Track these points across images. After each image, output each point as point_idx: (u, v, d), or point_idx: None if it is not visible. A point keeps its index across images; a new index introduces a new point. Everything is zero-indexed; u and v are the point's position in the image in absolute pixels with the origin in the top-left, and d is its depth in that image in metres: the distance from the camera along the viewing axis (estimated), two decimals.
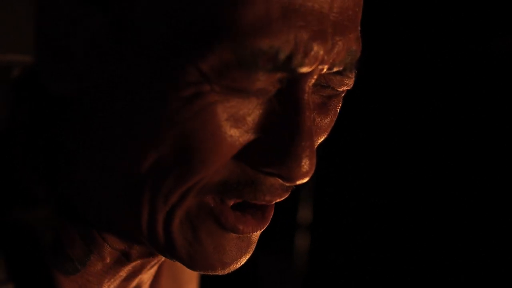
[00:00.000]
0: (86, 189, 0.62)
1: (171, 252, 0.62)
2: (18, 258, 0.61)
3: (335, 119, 0.65)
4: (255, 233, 0.64)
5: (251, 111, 0.57)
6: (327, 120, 0.64)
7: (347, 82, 0.62)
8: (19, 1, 0.60)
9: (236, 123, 0.57)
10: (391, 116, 2.25)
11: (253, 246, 0.65)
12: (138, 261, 0.67)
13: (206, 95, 0.56)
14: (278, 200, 0.63)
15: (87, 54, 0.58)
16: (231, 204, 0.62)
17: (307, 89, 0.58)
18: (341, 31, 0.57)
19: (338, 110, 0.65)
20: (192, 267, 0.63)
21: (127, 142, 0.58)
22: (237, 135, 0.57)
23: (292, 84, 0.57)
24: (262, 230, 0.64)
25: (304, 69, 0.56)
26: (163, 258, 0.70)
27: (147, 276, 0.72)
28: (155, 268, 0.72)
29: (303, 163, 0.57)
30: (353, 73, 0.61)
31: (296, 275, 2.12)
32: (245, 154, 0.58)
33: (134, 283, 0.70)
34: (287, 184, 0.61)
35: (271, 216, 0.64)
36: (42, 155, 0.63)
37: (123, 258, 0.66)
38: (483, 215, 2.15)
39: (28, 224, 0.62)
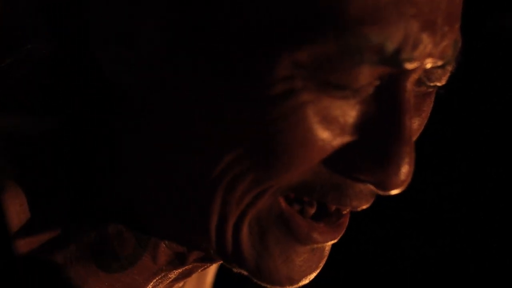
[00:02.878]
0: (148, 191, 0.58)
1: (239, 261, 0.57)
2: None
3: (426, 120, 0.59)
4: (328, 245, 0.59)
5: (345, 113, 0.52)
6: (419, 122, 0.58)
7: (443, 77, 0.57)
8: None
9: (329, 125, 0.52)
10: None
11: (324, 261, 0.59)
12: (190, 265, 0.63)
13: (298, 93, 0.51)
14: (364, 207, 0.57)
15: (157, 46, 0.54)
16: (311, 214, 0.57)
17: (409, 87, 0.53)
18: (450, 21, 0.53)
19: (429, 111, 0.59)
20: (259, 280, 0.58)
21: (200, 142, 0.54)
22: (329, 139, 0.52)
23: (395, 81, 0.53)
24: (337, 239, 0.58)
25: (412, 65, 0.52)
26: (213, 265, 0.66)
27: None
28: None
29: (402, 170, 0.52)
30: (452, 67, 0.56)
31: None
32: (336, 159, 0.53)
33: (179, 284, 0.66)
34: (380, 193, 0.55)
35: (347, 223, 0.59)
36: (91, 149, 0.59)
37: (177, 262, 0.61)
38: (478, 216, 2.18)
39: None
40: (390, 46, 0.50)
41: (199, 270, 0.65)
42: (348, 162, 0.53)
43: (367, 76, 0.51)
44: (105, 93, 0.57)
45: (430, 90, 0.58)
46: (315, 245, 0.57)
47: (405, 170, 0.53)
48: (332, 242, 0.58)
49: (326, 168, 0.54)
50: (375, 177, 0.53)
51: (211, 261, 0.62)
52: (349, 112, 0.53)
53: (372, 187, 0.54)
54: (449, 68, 0.56)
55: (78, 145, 0.59)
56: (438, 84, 0.57)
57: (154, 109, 0.55)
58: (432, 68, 0.54)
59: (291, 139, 0.52)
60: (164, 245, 0.60)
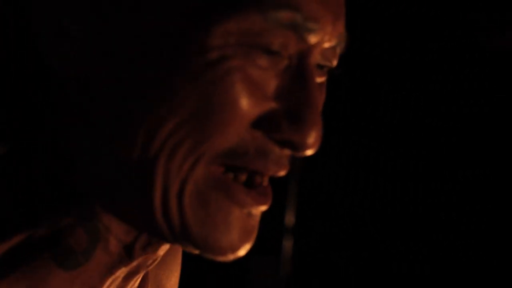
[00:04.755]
0: (93, 172, 0.60)
1: (185, 232, 0.59)
2: None
3: (321, 106, 0.67)
4: (259, 216, 0.63)
5: (266, 82, 0.59)
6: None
7: (334, 60, 0.65)
8: None
9: (253, 91, 0.58)
10: (375, 121, 2.28)
11: (256, 232, 0.63)
12: (136, 262, 0.65)
13: (229, 59, 0.57)
14: (282, 173, 0.63)
15: (91, 25, 0.58)
16: (244, 180, 0.61)
17: (313, 63, 0.61)
18: (340, 4, 0.62)
19: (323, 101, 0.67)
20: (203, 250, 0.60)
21: (141, 115, 0.57)
22: (254, 103, 0.58)
23: (301, 58, 0.60)
24: (267, 207, 0.63)
25: (315, 38, 0.60)
26: (157, 260, 0.68)
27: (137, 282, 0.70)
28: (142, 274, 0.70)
29: (313, 131, 0.60)
30: (340, 53, 0.65)
31: (283, 273, 2.17)
32: (259, 122, 0.59)
33: (130, 285, 0.68)
34: (297, 154, 0.61)
35: (271, 194, 0.64)
36: (43, 143, 0.61)
37: (126, 256, 0.64)
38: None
39: None
40: (299, 15, 0.58)
41: (146, 265, 0.67)
42: (269, 126, 0.60)
43: (281, 39, 0.59)
44: (49, 89, 0.61)
45: (323, 78, 0.65)
46: (250, 210, 0.62)
47: (315, 132, 0.60)
48: (264, 208, 0.63)
49: (251, 133, 0.59)
50: (292, 136, 0.60)
51: (155, 250, 0.65)
52: (268, 82, 0.59)
53: (289, 151, 0.61)
54: (338, 51, 0.64)
55: (28, 153, 0.62)
56: (330, 65, 0.65)
57: (97, 95, 0.59)
58: (327, 48, 0.63)
59: (222, 102, 0.57)
60: (112, 238, 0.63)
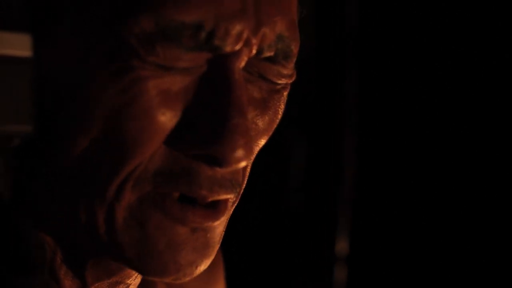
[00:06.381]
0: (42, 203, 0.60)
1: (119, 254, 0.57)
2: None
3: (276, 119, 0.62)
4: (211, 232, 0.59)
5: (182, 90, 0.55)
6: (266, 119, 0.61)
7: (284, 72, 0.60)
8: (16, 73, 0.60)
9: (168, 101, 0.54)
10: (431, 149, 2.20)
11: (212, 250, 0.60)
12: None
13: (136, 69, 0.53)
14: (221, 197, 0.58)
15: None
16: (177, 196, 0.58)
17: (236, 69, 0.56)
18: (266, 11, 0.56)
19: (280, 110, 0.62)
20: (143, 270, 0.58)
21: (58, 137, 0.56)
22: (169, 115, 0.55)
23: (219, 64, 0.55)
24: (215, 222, 0.59)
25: (228, 48, 0.55)
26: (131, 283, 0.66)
27: None
28: None
29: (236, 141, 0.54)
30: (290, 63, 0.59)
31: None
32: (177, 138, 0.55)
33: None
34: (222, 169, 0.56)
35: (226, 210, 0.59)
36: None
37: (81, 284, 0.62)
38: None
39: None
40: (203, 31, 0.53)
41: None
42: (189, 140, 0.55)
43: (189, 60, 0.55)
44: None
45: (278, 87, 0.61)
46: (194, 226, 0.58)
47: (239, 140, 0.54)
48: (210, 223, 0.59)
49: (171, 152, 0.56)
50: (212, 150, 0.55)
51: (113, 276, 0.63)
52: (186, 90, 0.55)
53: (220, 170, 0.56)
54: (283, 62, 0.58)
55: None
56: (283, 81, 0.60)
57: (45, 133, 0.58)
58: (260, 60, 0.58)
59: (133, 114, 0.54)
60: (59, 260, 0.61)
